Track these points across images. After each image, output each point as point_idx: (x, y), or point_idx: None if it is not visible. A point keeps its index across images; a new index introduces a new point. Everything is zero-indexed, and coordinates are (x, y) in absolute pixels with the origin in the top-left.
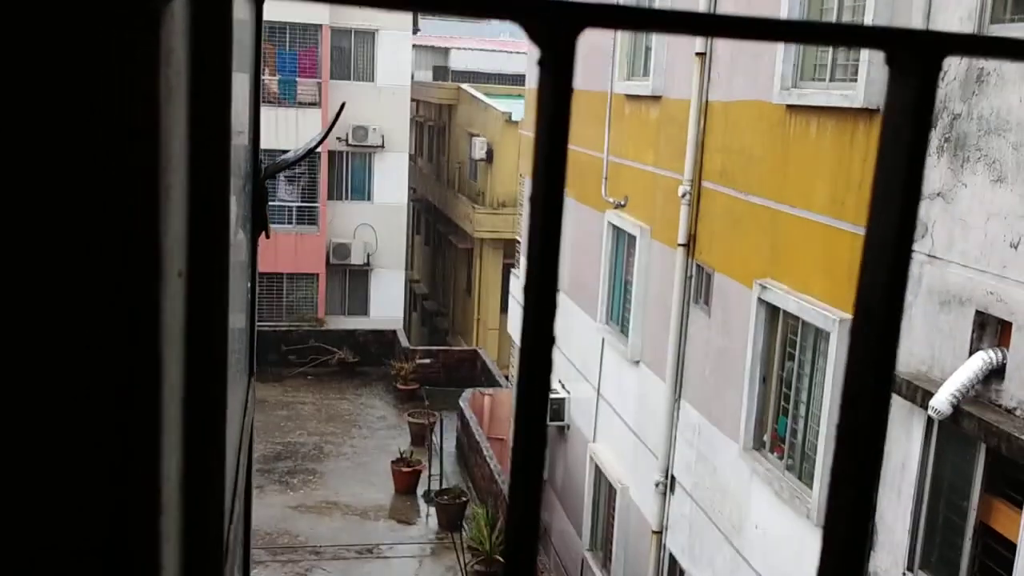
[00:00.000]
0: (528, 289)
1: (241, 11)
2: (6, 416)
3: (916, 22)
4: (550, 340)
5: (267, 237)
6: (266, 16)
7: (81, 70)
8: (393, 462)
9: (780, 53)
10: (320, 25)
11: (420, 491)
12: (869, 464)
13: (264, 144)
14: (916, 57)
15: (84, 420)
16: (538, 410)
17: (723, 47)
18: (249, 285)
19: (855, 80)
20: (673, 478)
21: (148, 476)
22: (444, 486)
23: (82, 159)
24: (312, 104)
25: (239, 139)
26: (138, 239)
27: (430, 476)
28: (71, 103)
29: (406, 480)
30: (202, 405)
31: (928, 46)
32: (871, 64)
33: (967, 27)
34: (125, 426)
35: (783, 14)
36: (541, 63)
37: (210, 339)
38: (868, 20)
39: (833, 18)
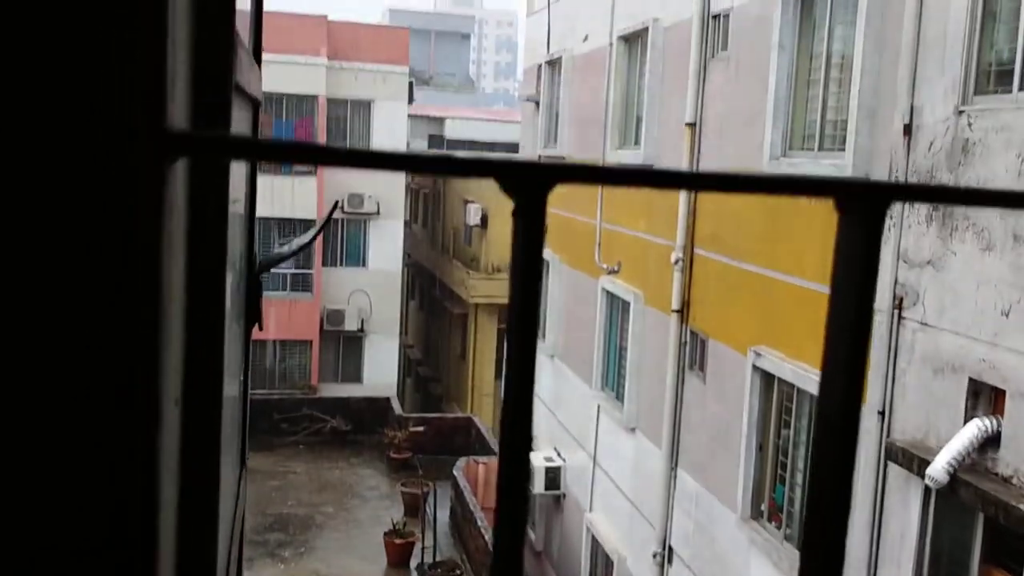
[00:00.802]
0: (501, 445)
1: (237, 116)
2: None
3: (901, 94)
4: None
5: (260, 329)
6: (263, 87)
7: (86, 226)
8: (386, 533)
9: (769, 122)
10: (316, 96)
11: (414, 564)
12: (836, 532)
13: (260, 212)
14: (862, 205)
15: (79, 541)
16: (521, 477)
17: (713, 118)
18: (242, 379)
19: (843, 150)
20: (671, 548)
21: None
22: (438, 558)
23: (87, 309)
24: (308, 173)
25: (235, 233)
26: (139, 380)
27: (423, 548)
28: (76, 263)
29: (399, 552)
30: (193, 523)
31: (873, 194)
32: (859, 134)
33: (951, 100)
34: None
35: (770, 95)
36: (514, 213)
37: (205, 466)
38: (854, 93)
39: (820, 94)
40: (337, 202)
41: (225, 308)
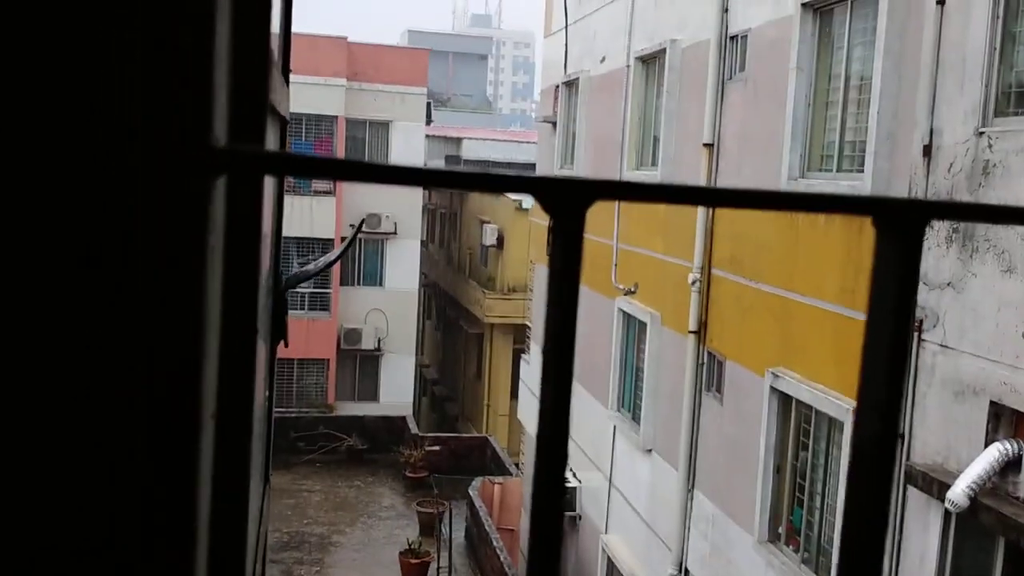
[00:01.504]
0: (538, 459)
1: (268, 134)
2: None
3: (920, 115)
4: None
5: (286, 346)
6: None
7: (133, 241)
8: (401, 553)
9: (787, 143)
10: (336, 116)
11: None
12: (874, 550)
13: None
14: (900, 223)
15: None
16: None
17: (730, 138)
18: (268, 394)
19: (862, 171)
20: (687, 571)
21: None
22: None
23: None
24: (327, 193)
25: (265, 255)
26: (181, 390)
27: (439, 568)
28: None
29: (414, 572)
30: (226, 538)
31: (911, 212)
32: (877, 155)
33: (971, 121)
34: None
35: (788, 116)
36: (552, 230)
37: (236, 483)
38: (873, 114)
39: (838, 115)
40: (363, 220)
41: (256, 325)
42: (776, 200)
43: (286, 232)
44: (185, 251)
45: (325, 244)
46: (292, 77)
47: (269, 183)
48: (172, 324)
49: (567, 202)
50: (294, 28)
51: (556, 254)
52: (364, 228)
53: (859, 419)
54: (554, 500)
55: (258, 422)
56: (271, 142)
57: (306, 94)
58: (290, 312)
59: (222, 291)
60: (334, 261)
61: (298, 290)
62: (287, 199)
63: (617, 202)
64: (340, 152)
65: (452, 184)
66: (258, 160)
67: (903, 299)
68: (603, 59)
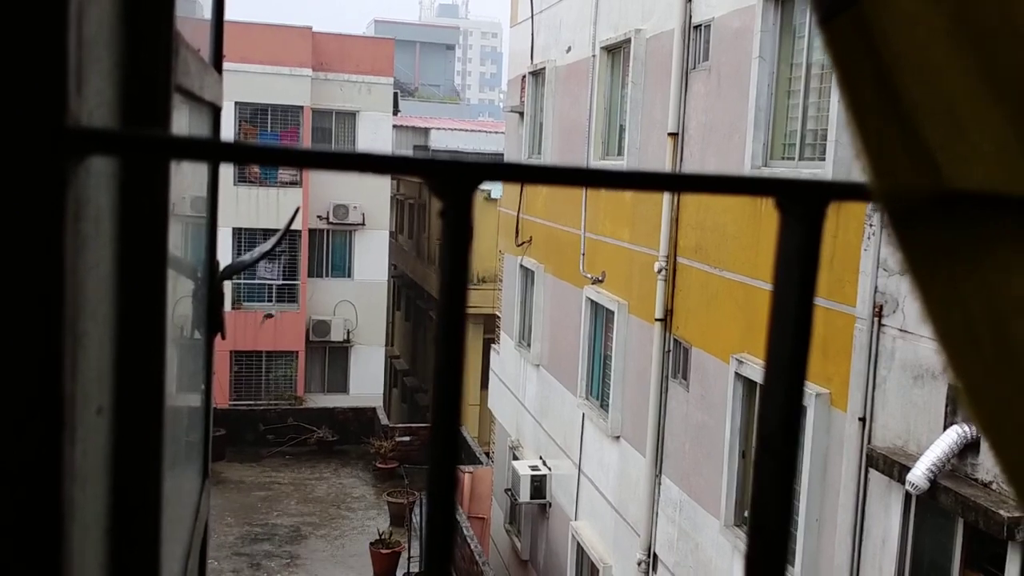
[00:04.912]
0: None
1: (196, 121)
2: None
3: None
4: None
5: (223, 338)
6: (249, 98)
7: None
8: (372, 543)
9: (751, 131)
10: (302, 107)
11: (400, 573)
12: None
13: (246, 223)
14: (802, 203)
15: None
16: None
17: (695, 127)
18: (204, 387)
19: (823, 159)
20: (655, 556)
21: None
22: (424, 568)
23: None
24: (292, 183)
25: (196, 238)
26: (38, 388)
27: (410, 558)
28: None
29: (385, 562)
30: (132, 542)
31: (812, 193)
32: (838, 143)
33: None
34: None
35: (751, 104)
36: (442, 214)
37: (143, 470)
38: (835, 103)
39: (800, 104)
40: (297, 209)
41: (165, 314)
42: (680, 182)
43: (252, 224)
44: (36, 235)
45: (292, 235)
46: (256, 68)
47: (194, 170)
48: (25, 311)
49: (453, 185)
50: (258, 18)
51: (446, 235)
52: (332, 219)
53: (765, 397)
54: (449, 467)
55: (192, 415)
56: (191, 129)
57: (271, 85)
58: (257, 304)
59: (118, 279)
60: (269, 251)
61: (265, 282)
62: (253, 190)
63: (584, 191)
64: (307, 143)
65: (332, 165)
66: (121, 141)
67: (806, 278)
68: (569, 49)
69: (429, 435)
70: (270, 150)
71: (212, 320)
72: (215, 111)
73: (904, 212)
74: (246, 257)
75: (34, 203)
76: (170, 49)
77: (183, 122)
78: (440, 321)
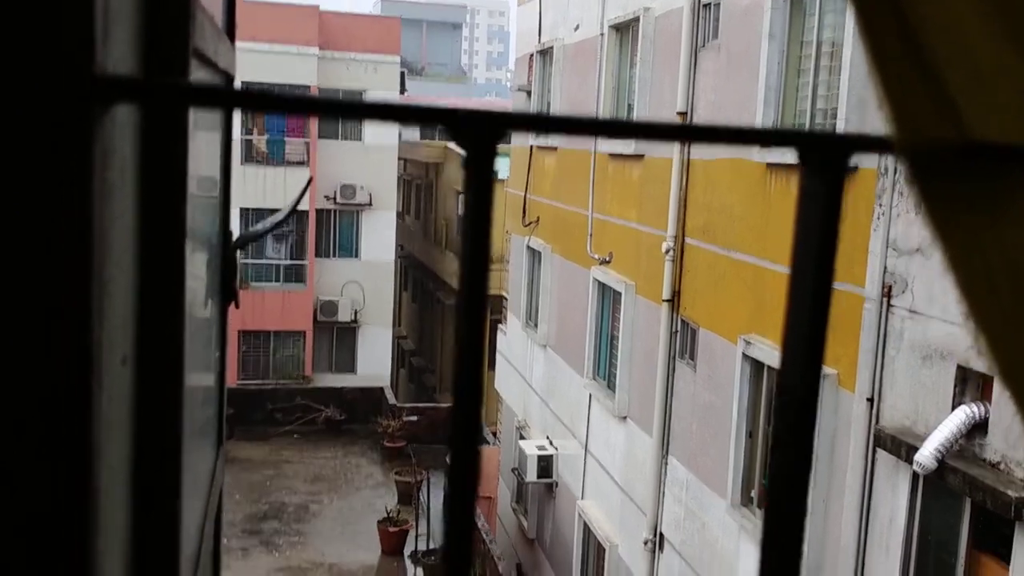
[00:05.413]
0: (456, 375)
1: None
2: None
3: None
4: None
5: (236, 307)
6: (255, 77)
7: (6, 173)
8: (380, 521)
9: (760, 109)
10: (308, 86)
11: (407, 551)
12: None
13: (252, 203)
14: (824, 157)
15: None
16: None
17: (704, 106)
18: (218, 355)
19: None
20: (662, 535)
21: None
22: (432, 546)
23: (5, 259)
24: (300, 163)
25: (209, 211)
26: (67, 332)
27: (417, 535)
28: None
29: (393, 540)
30: (153, 488)
31: (834, 145)
32: (848, 121)
33: None
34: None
35: (760, 83)
36: (465, 164)
37: (161, 419)
38: (844, 81)
39: (810, 82)
40: (311, 179)
41: (184, 264)
42: (697, 133)
43: (260, 204)
44: (65, 177)
45: (299, 215)
46: (263, 47)
47: (207, 147)
48: (53, 253)
49: (478, 134)
50: None
51: (469, 186)
52: (339, 199)
53: (784, 359)
54: (471, 447)
55: (208, 382)
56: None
57: (277, 64)
58: (265, 284)
59: (139, 233)
60: (283, 220)
61: (273, 262)
62: (261, 170)
63: (592, 173)
64: (313, 124)
65: (355, 115)
66: (146, 88)
67: (827, 233)
68: (577, 27)
69: (452, 379)
70: (288, 98)
71: (226, 289)
72: (228, 80)
73: (926, 163)
74: (259, 226)
75: (64, 149)
76: (188, 10)
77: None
78: (463, 270)
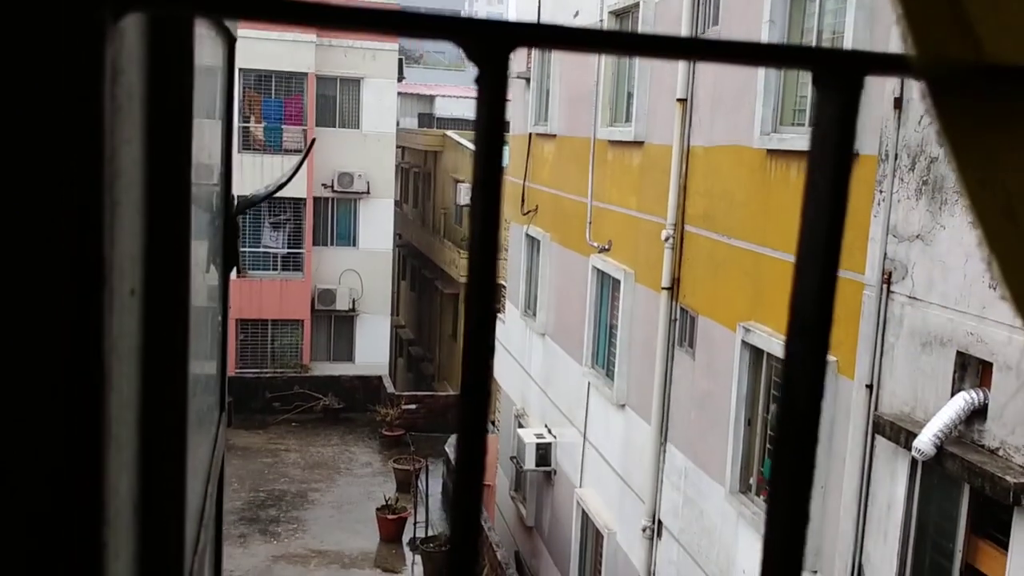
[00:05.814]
0: (468, 300)
1: (211, 50)
2: None
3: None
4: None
5: (239, 274)
6: (252, 64)
7: (16, 83)
8: (378, 509)
9: (760, 98)
10: (306, 73)
11: (406, 539)
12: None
13: (250, 191)
14: (840, 75)
15: (13, 448)
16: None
17: (704, 93)
18: (220, 319)
19: None
20: (660, 523)
21: (91, 494)
22: (430, 533)
23: (16, 171)
24: (298, 151)
25: (210, 175)
26: (79, 247)
27: (416, 523)
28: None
29: (391, 528)
30: (160, 416)
31: (850, 64)
32: None
33: None
34: (67, 439)
35: (761, 70)
36: (478, 80)
37: (170, 352)
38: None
39: (814, 26)
40: (313, 140)
41: (190, 189)
42: (711, 49)
43: (256, 192)
44: (79, 90)
45: (296, 203)
46: (261, 34)
47: (216, 122)
48: (67, 163)
49: (491, 46)
50: None
51: (481, 102)
52: (336, 187)
53: (794, 308)
54: (480, 384)
55: (210, 344)
56: (214, 55)
57: (275, 51)
58: (263, 273)
59: (145, 144)
60: (285, 183)
61: (270, 250)
62: (258, 158)
63: (591, 160)
64: (311, 110)
65: (359, 26)
66: None
67: (842, 154)
68: (576, 13)
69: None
70: (298, 4)
71: (228, 253)
72: (231, 42)
73: (944, 81)
74: (260, 190)
75: (77, 56)
76: None
77: (203, 45)
78: (475, 195)
